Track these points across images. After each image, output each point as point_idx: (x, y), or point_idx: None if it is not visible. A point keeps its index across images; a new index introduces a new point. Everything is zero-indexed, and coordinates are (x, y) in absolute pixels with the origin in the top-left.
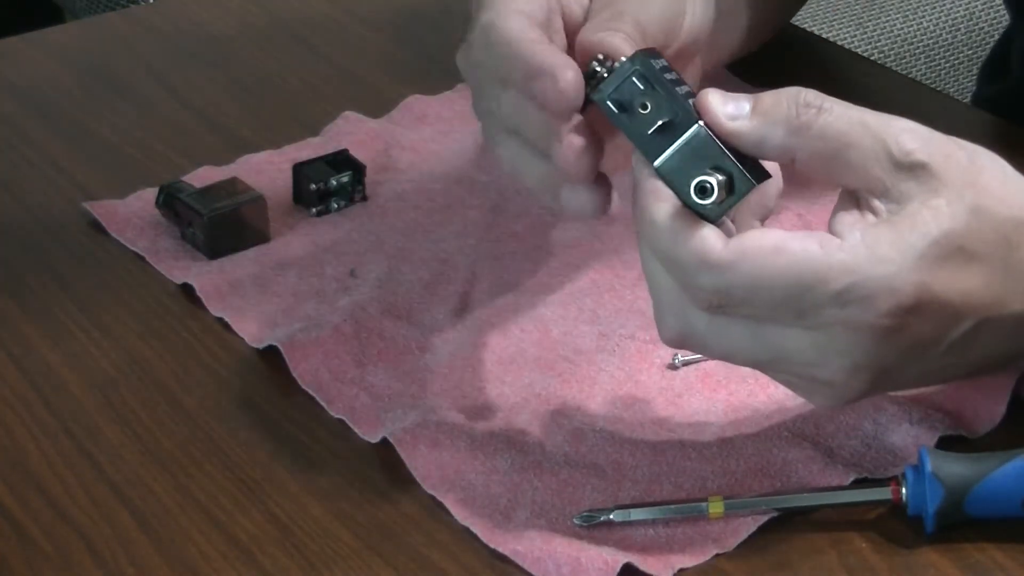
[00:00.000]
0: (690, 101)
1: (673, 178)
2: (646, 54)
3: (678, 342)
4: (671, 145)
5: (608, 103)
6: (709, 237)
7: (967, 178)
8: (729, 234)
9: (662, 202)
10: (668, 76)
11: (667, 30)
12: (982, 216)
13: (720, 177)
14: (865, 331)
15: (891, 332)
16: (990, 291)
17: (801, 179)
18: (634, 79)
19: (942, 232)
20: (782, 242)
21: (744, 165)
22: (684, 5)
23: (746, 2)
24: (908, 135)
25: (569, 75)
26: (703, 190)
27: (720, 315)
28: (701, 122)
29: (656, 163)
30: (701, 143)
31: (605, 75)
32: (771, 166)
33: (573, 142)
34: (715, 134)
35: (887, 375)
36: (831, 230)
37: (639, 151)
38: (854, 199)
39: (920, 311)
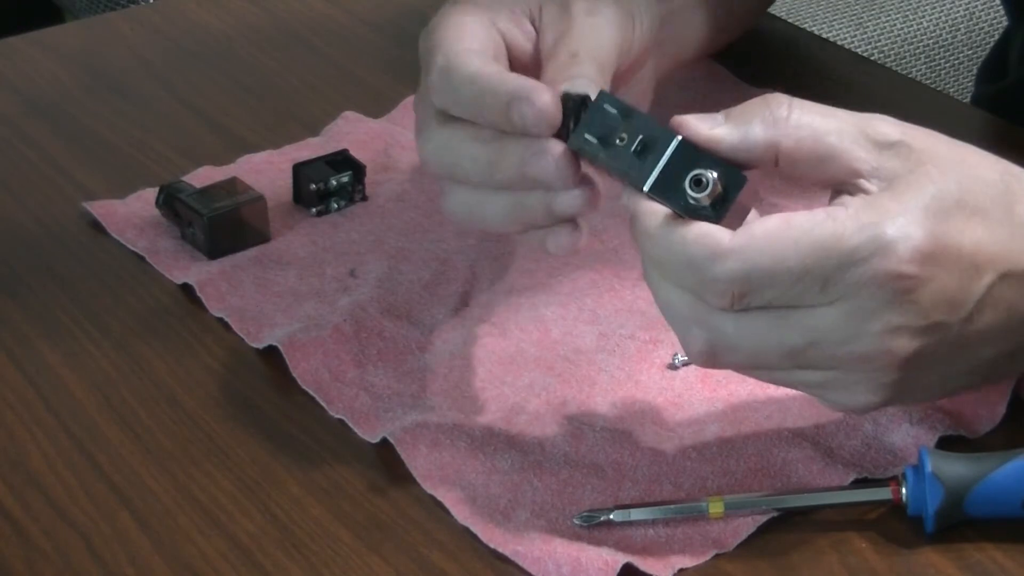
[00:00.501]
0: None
1: (666, 195)
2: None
3: (708, 353)
4: (656, 166)
5: (587, 137)
6: (713, 230)
7: (949, 149)
8: None
9: (656, 215)
10: (637, 110)
11: (622, 52)
12: (972, 175)
13: (715, 173)
14: (890, 285)
15: (917, 284)
16: (1000, 242)
17: (787, 181)
18: (606, 107)
19: (938, 189)
20: (788, 218)
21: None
22: (632, 18)
23: None
24: (880, 120)
25: (546, 96)
26: (698, 183)
27: (745, 312)
28: (680, 136)
29: (646, 186)
30: (684, 154)
31: (580, 113)
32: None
33: (554, 148)
34: (694, 145)
35: (926, 339)
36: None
37: (627, 181)
38: (844, 193)
39: (938, 259)
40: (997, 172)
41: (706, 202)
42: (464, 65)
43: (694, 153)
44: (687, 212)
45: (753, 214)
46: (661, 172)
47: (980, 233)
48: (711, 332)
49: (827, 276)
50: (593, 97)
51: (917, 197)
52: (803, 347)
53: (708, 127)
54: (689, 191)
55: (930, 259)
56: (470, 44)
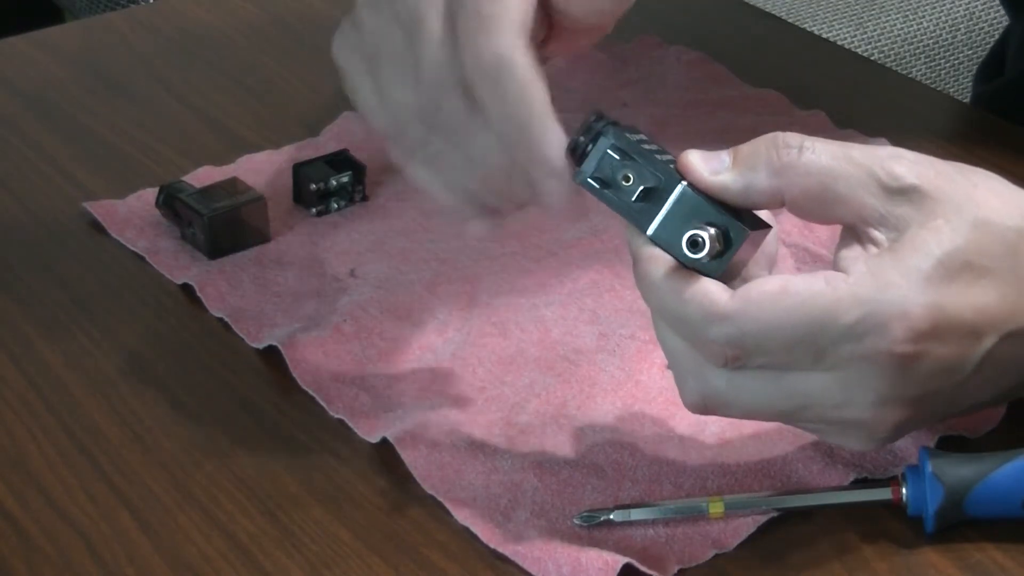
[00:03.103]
0: (671, 165)
1: (669, 242)
2: (621, 128)
3: (701, 406)
4: (660, 211)
5: (590, 181)
6: (712, 289)
7: (963, 193)
8: None
9: (661, 265)
10: (646, 146)
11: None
12: (984, 229)
13: (712, 231)
14: (885, 361)
15: (912, 359)
16: (1007, 303)
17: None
18: (611, 152)
19: (944, 252)
20: (787, 284)
21: (739, 218)
22: None
23: None
24: (894, 161)
25: (559, 149)
26: (694, 244)
27: (738, 371)
28: (684, 183)
29: (649, 232)
30: (688, 202)
31: (588, 149)
32: (764, 213)
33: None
34: (701, 191)
35: (919, 405)
36: (836, 267)
37: (630, 223)
38: (855, 234)
39: (936, 334)
40: (1015, 218)
41: (705, 259)
42: (519, 68)
43: (698, 200)
44: (688, 263)
45: (759, 267)
46: (664, 219)
47: (987, 298)
48: (705, 387)
49: (821, 349)
50: (602, 134)
51: (922, 262)
52: (795, 409)
53: (712, 172)
54: (686, 251)
55: (927, 336)
56: (520, 17)
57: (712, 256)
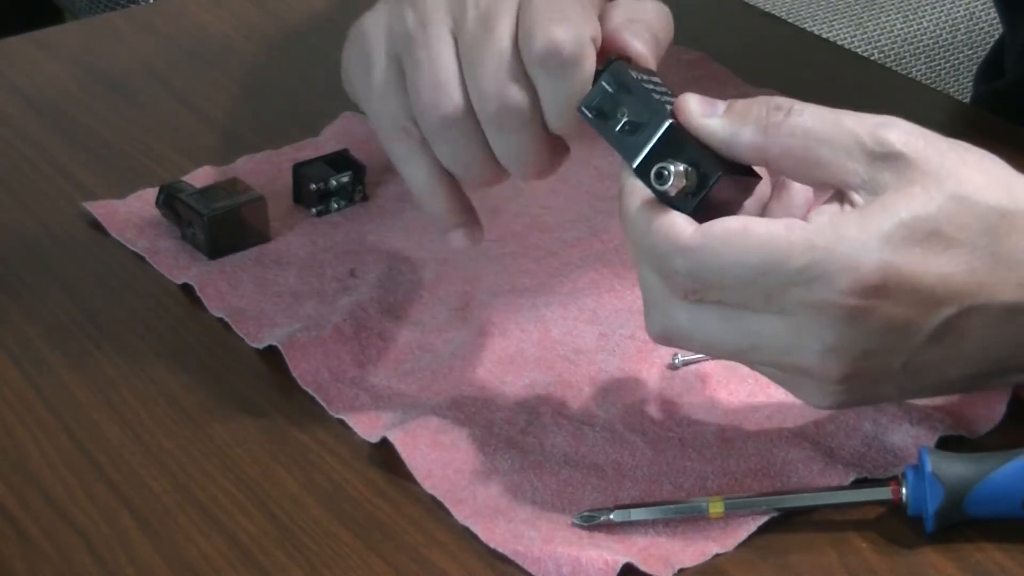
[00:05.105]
0: (668, 107)
1: (648, 178)
2: (623, 64)
3: (664, 337)
4: (645, 146)
5: (585, 111)
6: (679, 222)
7: (949, 167)
8: None
9: (639, 198)
10: (651, 87)
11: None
12: (963, 203)
13: (683, 167)
14: (830, 311)
15: (858, 312)
16: (975, 277)
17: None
18: (606, 86)
19: (912, 216)
20: (748, 224)
21: (733, 168)
22: None
23: None
24: (886, 127)
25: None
26: (660, 176)
27: (697, 305)
28: (672, 120)
29: (634, 164)
30: (673, 140)
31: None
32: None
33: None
34: (687, 132)
35: (869, 362)
36: (807, 219)
37: (620, 155)
38: (839, 196)
39: (887, 292)
40: (1000, 199)
41: (672, 192)
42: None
43: (683, 139)
44: (660, 198)
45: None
46: (648, 153)
47: (948, 266)
48: (668, 319)
49: (770, 291)
50: (606, 69)
51: (885, 222)
52: (748, 348)
53: (703, 115)
54: (653, 182)
55: (875, 291)
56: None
57: (683, 192)
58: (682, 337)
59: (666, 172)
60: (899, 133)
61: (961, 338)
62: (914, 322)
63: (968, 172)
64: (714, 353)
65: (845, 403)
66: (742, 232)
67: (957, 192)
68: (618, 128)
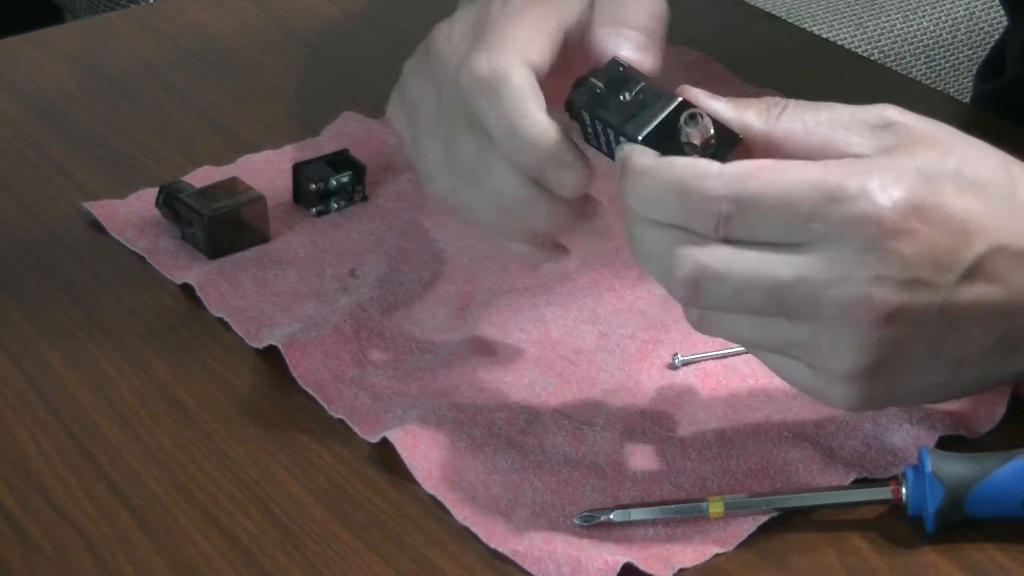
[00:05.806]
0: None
1: (659, 146)
2: (618, 61)
3: (692, 282)
4: (654, 119)
5: (593, 81)
6: (702, 161)
7: (951, 138)
8: None
9: (650, 153)
10: (643, 80)
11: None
12: (974, 158)
13: (708, 118)
14: (873, 227)
15: (901, 232)
16: (996, 216)
17: None
18: (597, 80)
19: (935, 155)
20: (779, 160)
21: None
22: None
23: None
24: (886, 107)
25: (584, 173)
26: (692, 117)
27: (731, 246)
28: (681, 98)
29: (640, 136)
30: (683, 111)
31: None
32: None
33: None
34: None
35: (913, 301)
36: None
37: (624, 136)
38: None
39: (925, 214)
40: (998, 160)
41: (697, 141)
42: (518, 93)
43: (691, 108)
44: (683, 150)
45: None
46: (658, 125)
47: (975, 204)
48: (697, 262)
49: (811, 211)
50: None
51: (912, 159)
52: (790, 283)
53: (709, 97)
54: (684, 126)
55: (915, 212)
56: (530, 52)
57: (702, 145)
58: (715, 277)
59: (700, 116)
60: (895, 109)
61: (992, 281)
62: (952, 252)
63: (964, 138)
64: (749, 300)
65: (872, 376)
66: (775, 164)
67: (964, 150)
68: (623, 108)
